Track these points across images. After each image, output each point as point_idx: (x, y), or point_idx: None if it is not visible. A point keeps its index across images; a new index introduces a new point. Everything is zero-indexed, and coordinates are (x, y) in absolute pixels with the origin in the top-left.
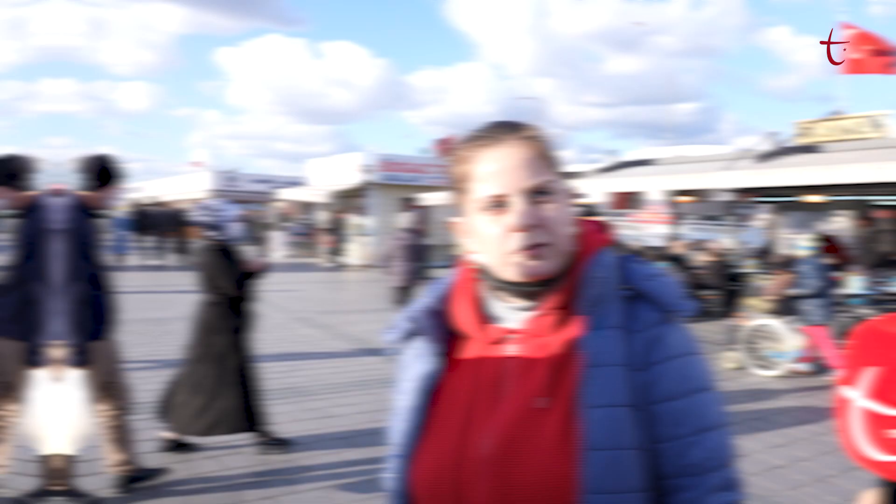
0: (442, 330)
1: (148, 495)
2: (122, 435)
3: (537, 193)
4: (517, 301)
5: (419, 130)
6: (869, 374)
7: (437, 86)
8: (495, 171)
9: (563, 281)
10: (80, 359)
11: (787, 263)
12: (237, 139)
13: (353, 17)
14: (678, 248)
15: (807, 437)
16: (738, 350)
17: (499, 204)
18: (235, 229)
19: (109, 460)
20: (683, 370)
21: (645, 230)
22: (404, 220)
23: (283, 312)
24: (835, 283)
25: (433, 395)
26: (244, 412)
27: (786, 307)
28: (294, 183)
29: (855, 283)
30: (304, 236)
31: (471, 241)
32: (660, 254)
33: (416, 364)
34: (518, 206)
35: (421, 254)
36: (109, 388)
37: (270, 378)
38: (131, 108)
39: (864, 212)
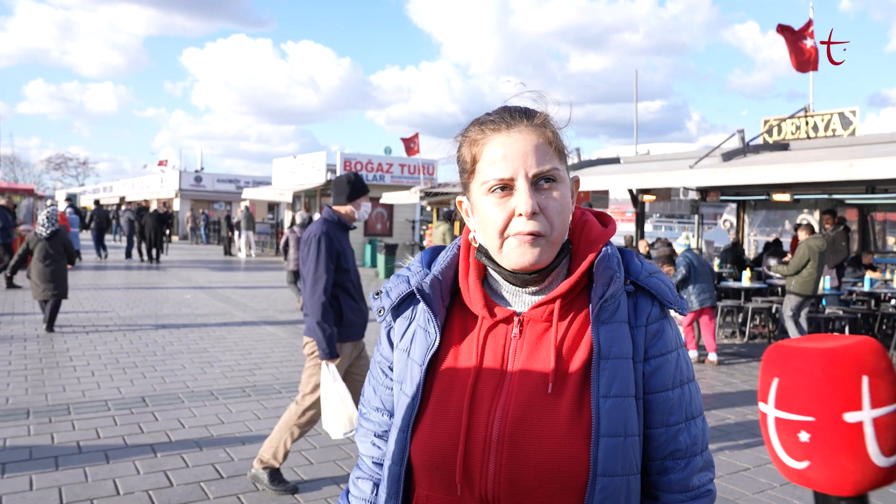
0: (443, 303)
1: None
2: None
3: (543, 180)
4: (512, 287)
5: (383, 130)
6: (774, 385)
7: (401, 85)
8: (504, 154)
9: (565, 270)
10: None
11: (670, 257)
12: (203, 139)
13: (316, 18)
14: (642, 247)
15: None
16: None
17: (504, 187)
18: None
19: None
20: (676, 363)
21: None
22: (298, 216)
23: (247, 311)
24: (713, 274)
25: (434, 368)
26: None
27: None
28: (260, 182)
29: (823, 281)
30: (270, 236)
31: (473, 222)
32: None
33: (413, 334)
34: (523, 191)
35: None
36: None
37: (232, 376)
38: (100, 109)
39: (831, 210)
